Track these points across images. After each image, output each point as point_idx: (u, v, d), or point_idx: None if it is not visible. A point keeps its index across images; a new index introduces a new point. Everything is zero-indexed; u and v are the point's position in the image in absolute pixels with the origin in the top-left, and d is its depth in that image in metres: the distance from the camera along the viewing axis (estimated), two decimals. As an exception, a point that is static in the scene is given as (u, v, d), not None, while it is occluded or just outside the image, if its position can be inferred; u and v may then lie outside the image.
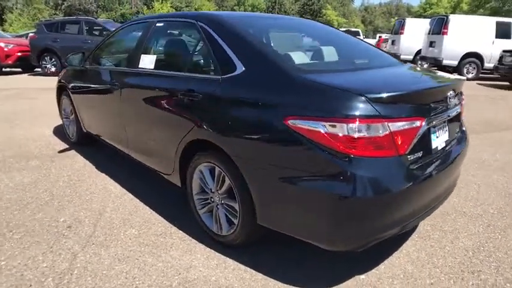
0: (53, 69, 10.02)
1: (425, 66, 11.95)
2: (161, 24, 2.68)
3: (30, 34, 11.56)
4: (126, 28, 3.22)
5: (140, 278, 1.95)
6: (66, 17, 12.67)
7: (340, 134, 1.57)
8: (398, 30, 15.06)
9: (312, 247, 1.82)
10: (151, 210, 2.69)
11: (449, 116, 2.05)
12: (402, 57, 13.62)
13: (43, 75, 10.41)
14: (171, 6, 38.21)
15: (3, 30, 27.27)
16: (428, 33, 12.47)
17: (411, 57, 14.29)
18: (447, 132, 2.12)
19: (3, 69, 10.66)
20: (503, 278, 2.05)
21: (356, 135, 1.57)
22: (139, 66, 2.69)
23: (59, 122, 5.02)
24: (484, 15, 22.01)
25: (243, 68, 1.94)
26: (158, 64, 2.56)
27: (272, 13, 58.61)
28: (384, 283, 1.98)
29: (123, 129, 2.92)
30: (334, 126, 1.57)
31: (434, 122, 1.90)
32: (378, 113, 1.59)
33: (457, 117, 2.26)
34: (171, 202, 2.82)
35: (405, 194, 1.71)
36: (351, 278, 2.00)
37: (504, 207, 2.90)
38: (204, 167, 2.19)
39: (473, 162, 3.89)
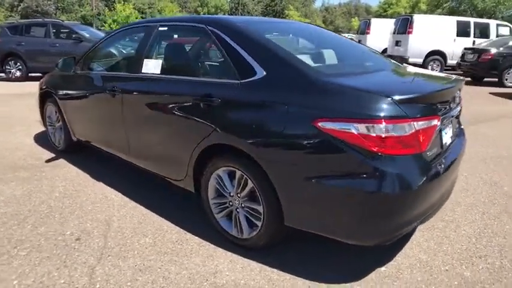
0: (18, 74, 9.47)
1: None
2: (165, 28, 2.63)
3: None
4: (121, 32, 3.12)
5: (168, 287, 1.92)
6: (32, 20, 12.02)
7: (372, 134, 1.63)
8: (364, 30, 15.61)
9: (329, 244, 1.87)
10: (160, 218, 2.64)
11: (454, 113, 2.19)
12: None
13: (7, 81, 9.81)
14: (133, 8, 37.14)
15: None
16: (394, 33, 13.02)
17: (378, 56, 14.80)
18: (451, 129, 2.26)
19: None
20: (507, 261, 2.22)
21: (387, 134, 1.64)
22: (143, 71, 2.63)
23: (38, 129, 4.80)
24: (442, 14, 23.32)
25: (264, 73, 1.96)
26: (165, 69, 2.52)
27: (235, 14, 58.73)
28: (404, 273, 2.07)
29: (123, 136, 2.84)
30: (366, 127, 1.63)
31: (444, 120, 2.02)
32: (404, 113, 1.67)
33: (459, 115, 2.41)
34: (178, 207, 2.78)
35: (428, 188, 1.81)
36: (372, 272, 2.08)
37: (493, 196, 3.12)
38: (223, 171, 2.18)
39: (456, 154, 4.13)
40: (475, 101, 7.90)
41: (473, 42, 11.71)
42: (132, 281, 1.96)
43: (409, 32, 11.72)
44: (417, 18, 12.00)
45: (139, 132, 2.71)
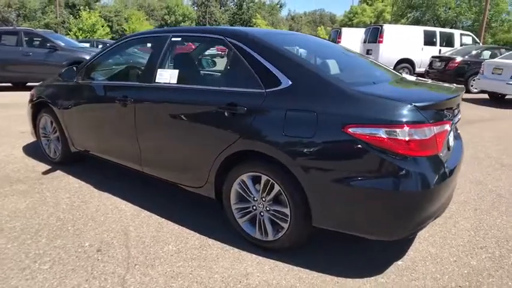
0: (-12, 84, 9.03)
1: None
2: (179, 38, 2.69)
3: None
4: (128, 42, 3.12)
5: (203, 291, 1.97)
6: (2, 28, 11.47)
7: (399, 138, 1.79)
8: (335, 39, 16.16)
9: (346, 242, 2.00)
10: (176, 225, 2.66)
11: (457, 119, 2.42)
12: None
13: (-26, 92, 9.33)
14: (99, 16, 36.31)
15: None
16: (364, 42, 13.64)
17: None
18: (453, 132, 2.48)
19: None
20: (505, 250, 2.45)
21: (411, 138, 1.81)
22: (156, 80, 2.67)
23: (25, 141, 4.65)
24: (407, 24, 24.63)
25: (290, 82, 2.09)
26: (182, 78, 2.57)
27: (203, 22, 58.81)
28: (419, 265, 2.24)
29: (134, 144, 2.84)
30: (394, 131, 1.79)
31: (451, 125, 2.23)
32: (425, 119, 1.85)
33: (459, 120, 2.65)
34: (191, 214, 2.81)
35: (444, 185, 1.99)
36: (391, 266, 2.23)
37: (481, 193, 3.40)
38: (247, 177, 2.27)
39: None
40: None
41: (440, 51, 12.52)
42: (166, 288, 1.99)
43: (380, 41, 12.34)
44: (387, 28, 12.66)
45: (154, 140, 2.73)
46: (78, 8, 38.03)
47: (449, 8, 30.06)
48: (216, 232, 2.55)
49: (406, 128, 1.80)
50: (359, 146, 1.84)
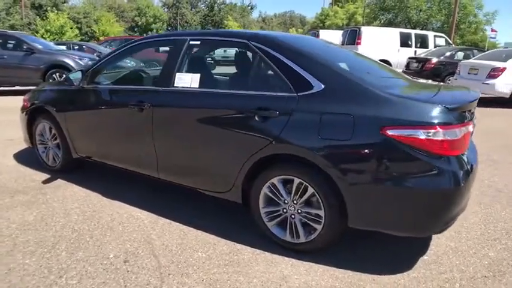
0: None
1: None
2: (197, 42, 2.65)
3: None
4: (138, 45, 3.03)
5: (245, 296, 1.96)
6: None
7: (435, 138, 1.87)
8: (313, 40, 16.43)
9: (371, 238, 2.04)
10: (200, 231, 2.62)
11: (475, 119, 2.54)
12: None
13: None
14: (68, 17, 34.98)
15: None
16: (342, 44, 13.92)
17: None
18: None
19: None
20: (517, 241, 2.61)
21: (445, 138, 1.89)
22: (175, 85, 2.62)
23: (15, 149, 4.43)
24: (380, 26, 25.42)
25: (322, 86, 2.12)
26: (204, 82, 2.54)
27: (174, 23, 57.93)
28: (443, 259, 2.34)
29: (151, 150, 2.78)
30: (430, 132, 1.87)
31: None
32: (455, 120, 1.94)
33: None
34: (213, 219, 2.78)
35: (470, 181, 2.09)
36: (418, 261, 2.32)
37: (481, 188, 3.57)
38: (278, 180, 2.28)
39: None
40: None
41: (415, 52, 13.02)
42: (207, 295, 1.97)
43: (358, 43, 12.68)
44: (365, 30, 13.03)
45: (174, 145, 2.68)
46: (45, 9, 36.47)
47: (421, 11, 31.39)
48: (242, 236, 2.53)
49: (441, 129, 1.88)
50: (397, 146, 1.90)
